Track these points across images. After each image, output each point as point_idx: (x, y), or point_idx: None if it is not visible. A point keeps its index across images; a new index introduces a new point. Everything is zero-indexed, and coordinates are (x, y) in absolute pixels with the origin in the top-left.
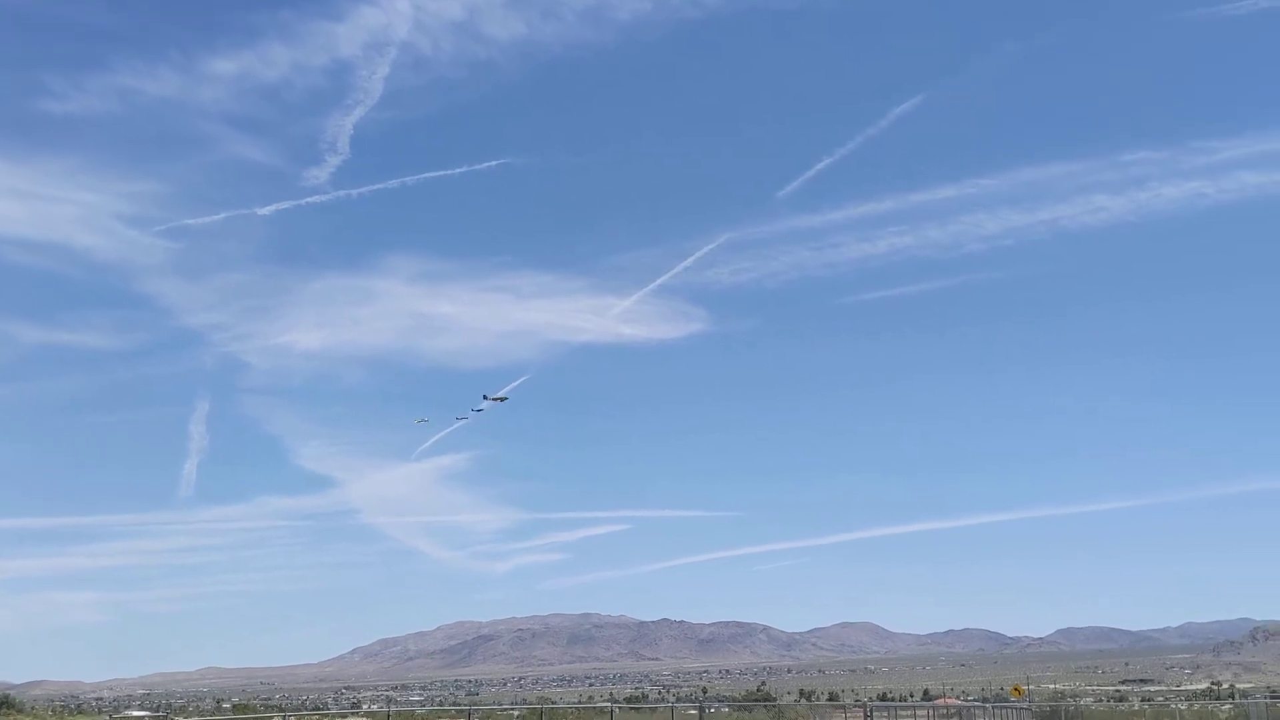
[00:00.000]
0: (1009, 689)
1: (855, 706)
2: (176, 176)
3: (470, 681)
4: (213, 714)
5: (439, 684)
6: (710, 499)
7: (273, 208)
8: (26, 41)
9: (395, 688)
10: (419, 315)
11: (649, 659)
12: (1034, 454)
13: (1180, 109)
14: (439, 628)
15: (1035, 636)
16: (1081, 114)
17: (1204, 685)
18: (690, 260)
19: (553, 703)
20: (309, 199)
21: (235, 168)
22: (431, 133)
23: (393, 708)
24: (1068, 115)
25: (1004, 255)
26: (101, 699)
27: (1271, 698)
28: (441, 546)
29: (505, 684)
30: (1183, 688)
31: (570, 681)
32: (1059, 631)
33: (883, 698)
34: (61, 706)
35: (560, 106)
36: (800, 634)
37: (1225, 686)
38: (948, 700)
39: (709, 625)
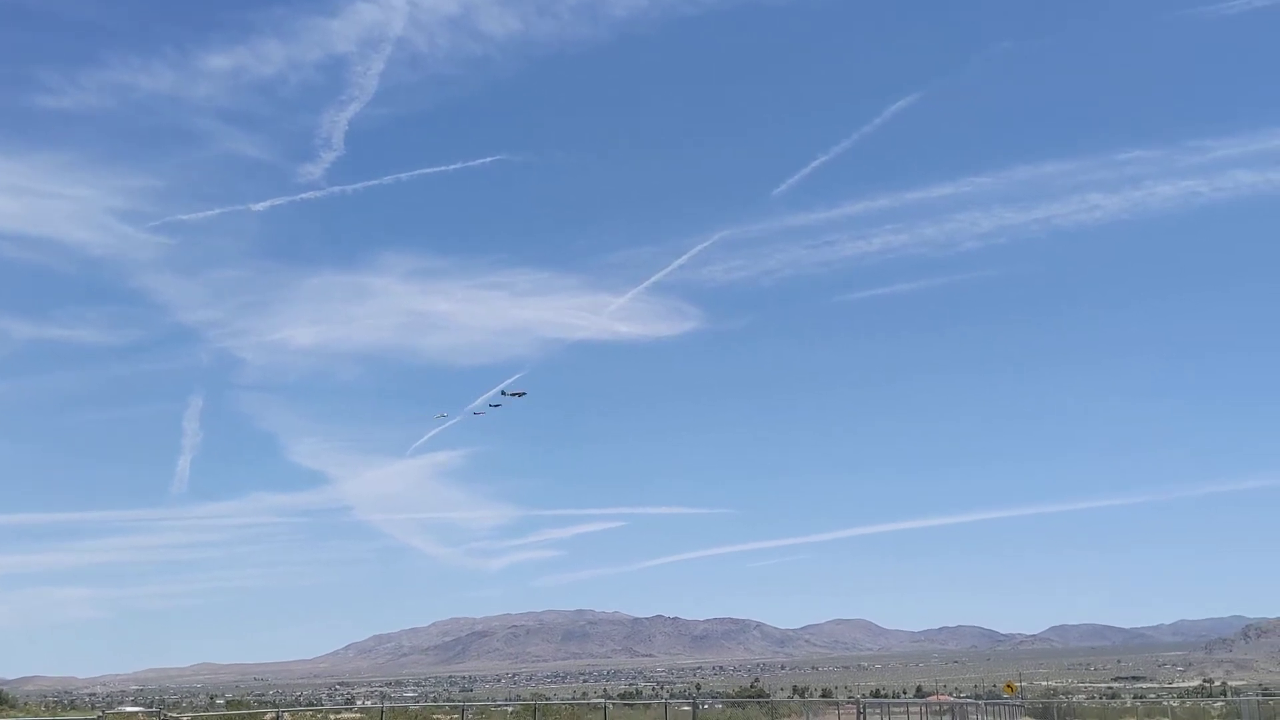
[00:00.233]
0: (1002, 686)
1: (848, 703)
2: (171, 172)
3: (465, 678)
4: (206, 710)
5: (433, 680)
6: (704, 496)
7: (267, 204)
8: (20, 36)
9: (389, 684)
10: (414, 312)
11: (643, 655)
12: (1026, 451)
13: (1175, 108)
14: (433, 624)
15: (1028, 633)
16: (1076, 113)
17: (1196, 682)
18: (685, 258)
19: (547, 699)
20: (304, 195)
21: (230, 163)
22: (427, 129)
23: (387, 704)
24: (1063, 114)
25: (998, 253)
26: (95, 695)
27: (1264, 695)
28: (436, 543)
29: (499, 680)
30: (1175, 685)
31: (564, 678)
32: (1052, 628)
33: (876, 694)
34: (54, 702)
35: (556, 103)
36: (794, 630)
37: (1217, 684)
38: (940, 697)
39: (703, 622)
